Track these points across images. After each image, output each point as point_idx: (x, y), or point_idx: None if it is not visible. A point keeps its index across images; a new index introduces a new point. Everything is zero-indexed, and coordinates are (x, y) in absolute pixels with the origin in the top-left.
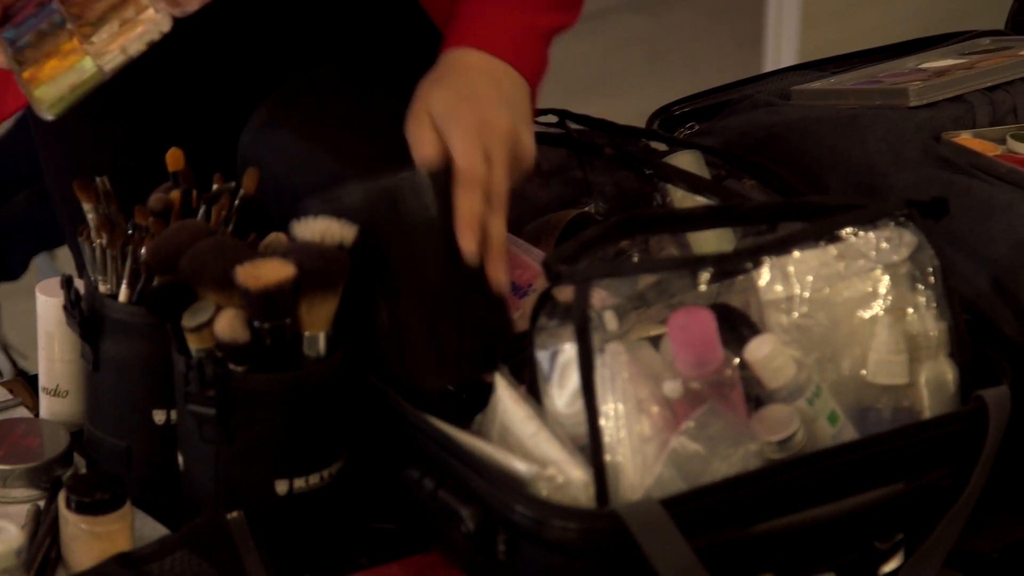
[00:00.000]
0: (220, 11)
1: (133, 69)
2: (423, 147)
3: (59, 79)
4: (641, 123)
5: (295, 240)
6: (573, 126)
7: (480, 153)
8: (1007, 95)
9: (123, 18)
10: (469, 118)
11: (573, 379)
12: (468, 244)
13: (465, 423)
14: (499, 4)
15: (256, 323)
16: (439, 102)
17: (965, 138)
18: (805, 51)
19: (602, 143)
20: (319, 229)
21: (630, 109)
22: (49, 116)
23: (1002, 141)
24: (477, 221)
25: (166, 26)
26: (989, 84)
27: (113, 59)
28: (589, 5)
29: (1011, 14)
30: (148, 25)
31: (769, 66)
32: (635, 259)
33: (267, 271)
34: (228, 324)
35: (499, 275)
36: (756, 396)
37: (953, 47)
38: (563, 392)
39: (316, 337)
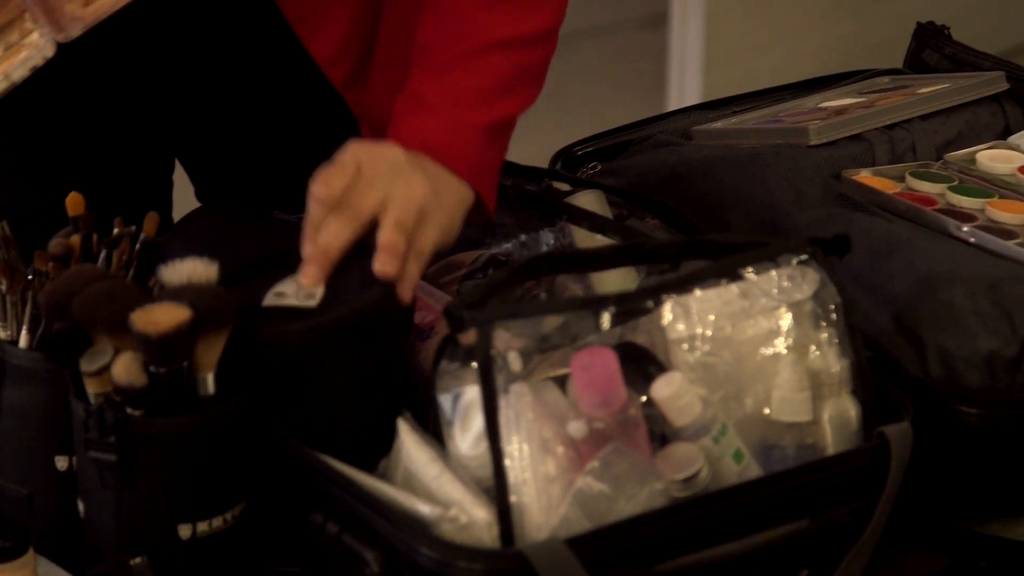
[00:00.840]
0: (108, 49)
1: (34, 109)
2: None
3: None
4: (545, 163)
5: (163, 284)
6: None
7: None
8: (906, 133)
9: (7, 42)
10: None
11: (477, 421)
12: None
13: (367, 466)
14: (428, 106)
15: (153, 368)
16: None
17: (865, 176)
18: (708, 91)
19: (504, 184)
20: (186, 271)
21: (535, 149)
22: None
23: (901, 179)
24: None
25: (50, 51)
26: (888, 122)
27: None
28: None
29: (908, 54)
30: (32, 50)
31: (672, 106)
32: (540, 300)
33: (163, 316)
34: (124, 369)
35: (406, 296)
36: (662, 434)
37: (852, 86)
38: (467, 434)
39: (207, 377)
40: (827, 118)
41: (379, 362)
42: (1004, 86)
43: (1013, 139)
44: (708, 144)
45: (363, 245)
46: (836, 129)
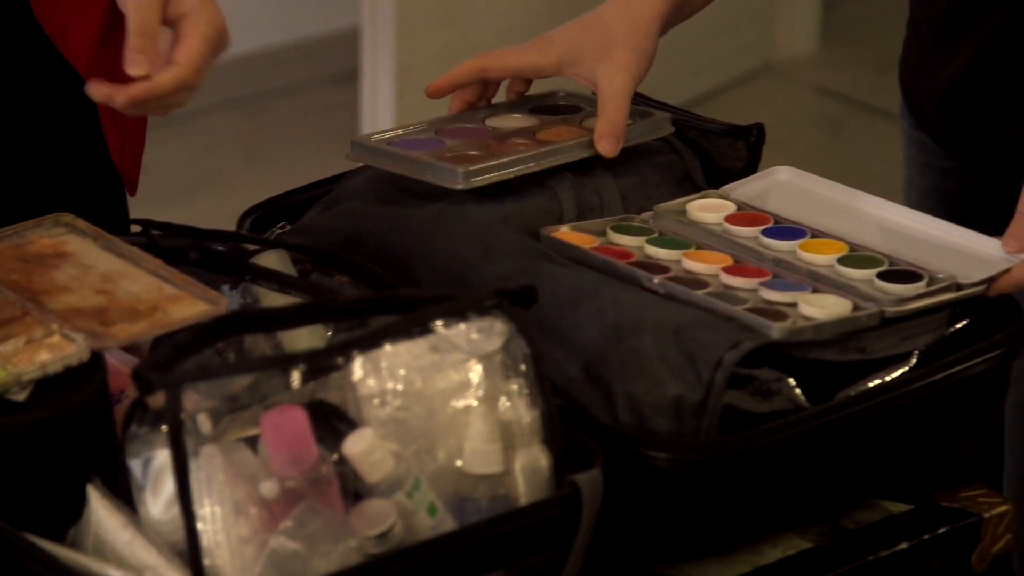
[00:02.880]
0: None
1: None
2: None
3: None
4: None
5: None
6: (157, 234)
7: None
8: (587, 178)
9: None
10: None
11: (168, 485)
12: None
13: (55, 535)
14: None
15: None
16: None
17: (564, 232)
18: None
19: (187, 248)
20: None
21: (229, 209)
22: None
23: (602, 233)
24: None
25: None
26: (544, 167)
27: None
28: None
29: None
30: None
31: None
32: (229, 360)
33: None
34: None
35: None
36: (355, 491)
37: (529, 100)
38: (158, 499)
39: None
40: (485, 149)
41: (72, 435)
42: (670, 129)
43: (725, 188)
44: (365, 162)
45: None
46: (485, 175)
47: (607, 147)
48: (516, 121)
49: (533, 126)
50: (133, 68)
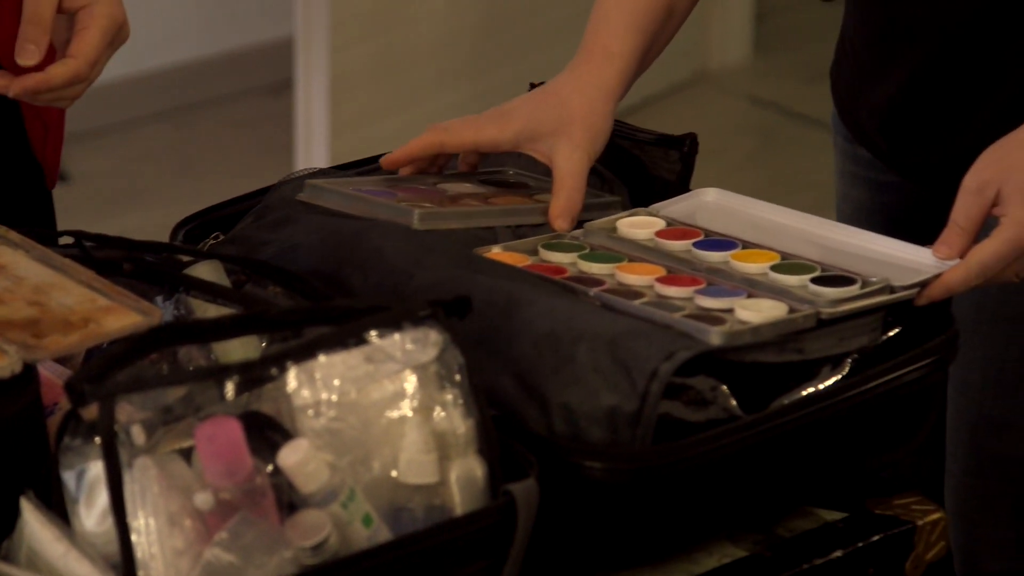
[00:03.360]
0: None
1: None
2: None
3: None
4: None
5: None
6: (90, 245)
7: None
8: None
9: None
10: None
11: (102, 497)
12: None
13: None
14: None
15: None
16: None
17: (496, 252)
18: (335, 156)
19: (120, 259)
20: None
21: (162, 221)
22: None
23: (534, 252)
24: None
25: None
26: (494, 224)
27: None
28: (114, 116)
29: None
30: None
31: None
32: (162, 372)
33: None
34: None
35: None
36: (290, 502)
37: (478, 173)
38: (92, 511)
39: None
40: (439, 204)
41: (5, 448)
42: (619, 210)
43: (654, 207)
44: (319, 203)
45: None
46: (441, 220)
47: (563, 225)
48: (467, 188)
49: (485, 192)
50: (22, 58)
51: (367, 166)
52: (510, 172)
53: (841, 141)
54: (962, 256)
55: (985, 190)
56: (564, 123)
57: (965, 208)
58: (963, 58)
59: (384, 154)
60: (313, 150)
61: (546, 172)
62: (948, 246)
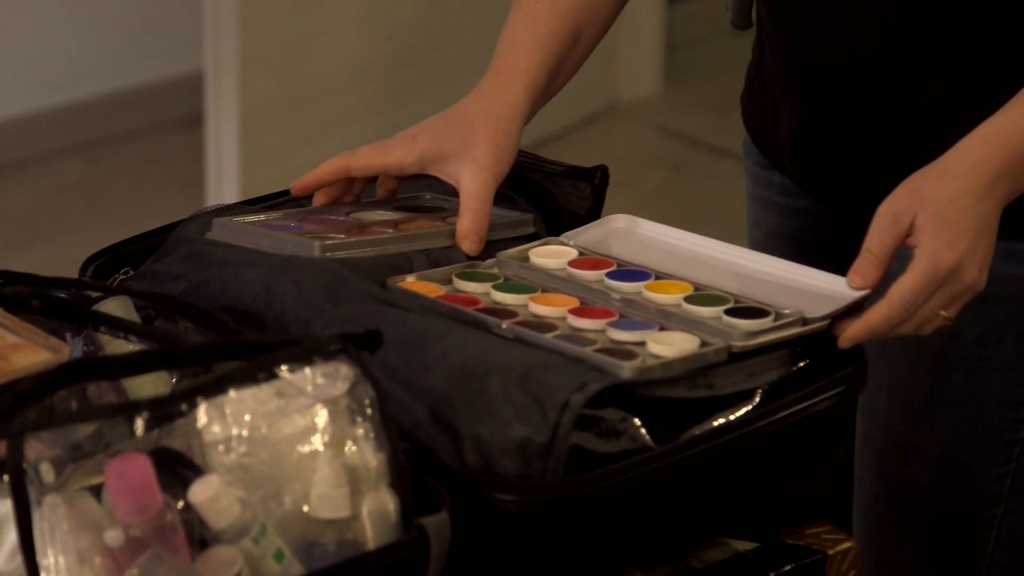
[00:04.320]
0: None
1: None
2: None
3: None
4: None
5: None
6: None
7: None
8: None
9: None
10: None
11: (11, 535)
12: None
13: None
14: None
15: None
16: None
17: (410, 282)
18: (246, 190)
19: (29, 295)
20: None
21: (72, 256)
22: None
23: (448, 281)
24: None
25: None
26: (402, 251)
27: None
28: (24, 151)
29: None
30: None
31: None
32: (71, 409)
33: None
34: None
35: None
36: (202, 538)
37: (395, 199)
38: (1, 549)
39: None
40: (347, 234)
41: None
42: (531, 230)
43: (565, 236)
44: (227, 240)
45: None
46: (346, 250)
47: (471, 246)
48: (379, 215)
49: (396, 219)
50: None
51: (278, 200)
52: (427, 197)
53: (752, 166)
54: (875, 285)
55: (900, 219)
56: (469, 144)
57: (879, 237)
58: (870, 91)
59: None
60: (224, 184)
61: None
62: (861, 275)
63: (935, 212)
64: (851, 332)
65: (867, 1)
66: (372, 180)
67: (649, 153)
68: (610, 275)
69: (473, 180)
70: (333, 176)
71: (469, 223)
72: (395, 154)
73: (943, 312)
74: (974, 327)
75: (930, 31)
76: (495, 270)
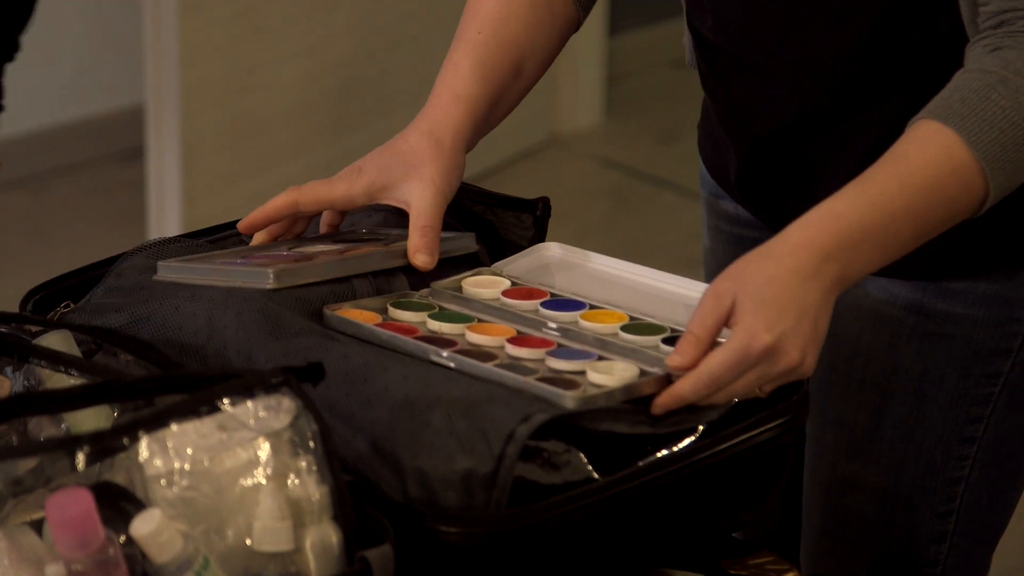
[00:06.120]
0: None
1: None
2: None
3: None
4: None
5: None
6: None
7: None
8: (385, 276)
9: None
10: None
11: None
12: None
13: None
14: None
15: None
16: None
17: (347, 310)
18: (188, 222)
19: None
20: None
21: (12, 290)
22: None
23: (384, 310)
24: None
25: None
26: (353, 273)
27: None
28: None
29: None
30: None
31: (153, 237)
32: (12, 443)
33: None
34: None
35: None
36: (144, 572)
37: (332, 235)
38: None
39: None
40: (293, 262)
41: None
42: (475, 247)
43: (496, 266)
44: (171, 279)
45: None
46: (296, 276)
47: (423, 260)
48: (321, 248)
49: (340, 248)
50: None
51: (221, 232)
52: (363, 231)
53: (707, 195)
54: (693, 366)
55: (721, 300)
56: (414, 166)
57: (700, 317)
58: (802, 135)
59: (239, 220)
60: (166, 216)
61: (406, 225)
62: (681, 356)
63: (754, 292)
64: (661, 399)
65: (786, 65)
66: (315, 217)
67: (591, 184)
68: (545, 304)
69: (421, 197)
70: (280, 212)
71: (419, 239)
72: (342, 187)
73: (758, 390)
74: (916, 363)
75: (851, 91)
76: (429, 299)
